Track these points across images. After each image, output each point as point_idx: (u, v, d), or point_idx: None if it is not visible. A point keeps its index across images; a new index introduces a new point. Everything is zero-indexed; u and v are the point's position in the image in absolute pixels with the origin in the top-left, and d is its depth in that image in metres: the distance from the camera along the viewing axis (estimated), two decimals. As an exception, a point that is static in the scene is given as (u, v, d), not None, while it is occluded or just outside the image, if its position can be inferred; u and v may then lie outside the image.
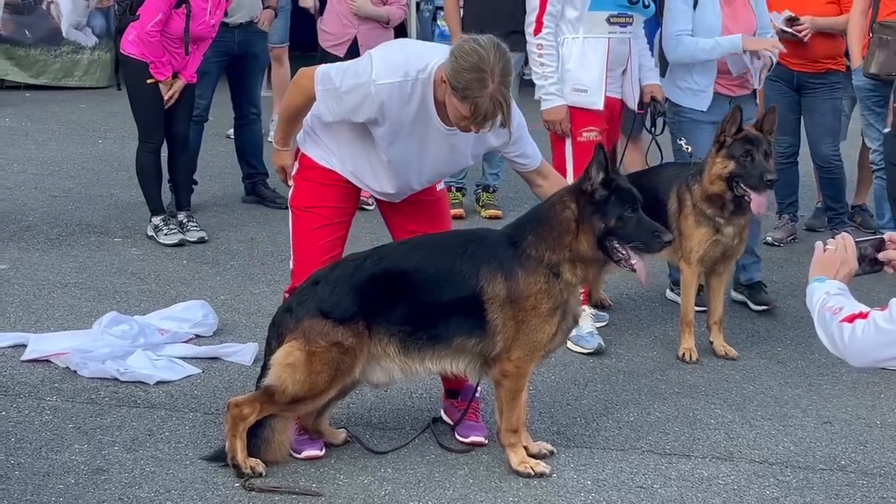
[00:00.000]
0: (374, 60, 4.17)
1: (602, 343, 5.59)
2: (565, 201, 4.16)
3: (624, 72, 5.67)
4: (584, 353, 5.54)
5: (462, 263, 4.12)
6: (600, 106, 5.57)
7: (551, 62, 5.57)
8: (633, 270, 4.16)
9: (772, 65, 6.01)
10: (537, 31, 5.57)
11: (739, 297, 6.37)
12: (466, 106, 3.98)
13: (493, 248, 4.16)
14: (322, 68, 4.28)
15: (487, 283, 4.09)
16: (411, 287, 4.13)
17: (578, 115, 5.60)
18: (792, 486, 4.31)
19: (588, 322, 5.65)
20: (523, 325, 4.10)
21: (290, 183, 4.59)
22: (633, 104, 5.78)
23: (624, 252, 4.13)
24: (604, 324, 5.94)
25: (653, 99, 5.80)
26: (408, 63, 4.16)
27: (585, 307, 5.68)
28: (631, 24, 5.62)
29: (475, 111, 3.98)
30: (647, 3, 5.63)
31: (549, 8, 5.52)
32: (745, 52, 5.87)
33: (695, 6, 5.91)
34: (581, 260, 4.12)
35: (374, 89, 4.11)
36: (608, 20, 5.53)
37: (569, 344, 5.59)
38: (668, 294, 6.41)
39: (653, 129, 5.87)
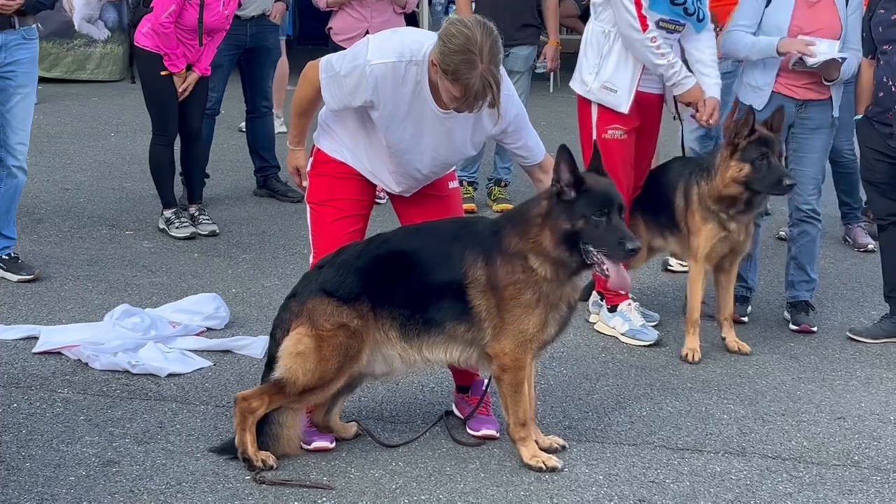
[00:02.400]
0: (371, 43, 4.23)
1: (659, 334, 5.64)
2: (540, 198, 4.16)
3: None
4: (643, 346, 5.58)
5: (452, 247, 4.14)
6: (625, 109, 5.57)
7: (667, 48, 5.53)
8: (606, 276, 4.09)
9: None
10: (644, 27, 5.47)
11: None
12: (458, 87, 4.01)
13: (479, 233, 4.18)
14: (326, 58, 4.33)
15: (469, 268, 4.10)
16: (410, 269, 4.14)
17: (605, 112, 5.60)
18: (805, 481, 4.29)
19: (638, 315, 5.67)
20: (507, 314, 4.09)
21: (305, 184, 4.60)
22: (671, 105, 5.74)
23: (597, 257, 4.05)
24: (653, 324, 5.91)
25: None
26: (402, 46, 4.19)
27: (630, 301, 5.70)
28: (680, 31, 5.60)
29: (466, 92, 4.00)
30: (701, 17, 5.61)
31: (643, 2, 5.46)
32: (779, 54, 5.70)
33: (768, 2, 5.80)
34: (545, 256, 4.07)
35: (369, 69, 4.14)
36: (657, 23, 5.51)
37: (623, 338, 5.63)
38: None
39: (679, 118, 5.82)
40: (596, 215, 4.02)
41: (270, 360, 4.19)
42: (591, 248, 4.03)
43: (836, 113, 5.89)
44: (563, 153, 4.05)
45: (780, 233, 7.44)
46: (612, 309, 5.71)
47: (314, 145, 4.55)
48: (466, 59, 3.96)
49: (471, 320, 4.12)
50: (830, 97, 5.85)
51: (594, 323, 5.82)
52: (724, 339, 5.67)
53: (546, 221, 4.06)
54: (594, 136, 5.53)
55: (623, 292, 4.10)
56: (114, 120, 10.50)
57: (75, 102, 11.13)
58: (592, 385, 5.13)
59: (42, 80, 11.34)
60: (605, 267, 4.05)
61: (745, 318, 6.07)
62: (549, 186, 4.16)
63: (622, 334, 5.65)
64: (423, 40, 4.21)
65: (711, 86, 5.68)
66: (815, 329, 5.96)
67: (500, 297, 4.09)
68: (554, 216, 4.05)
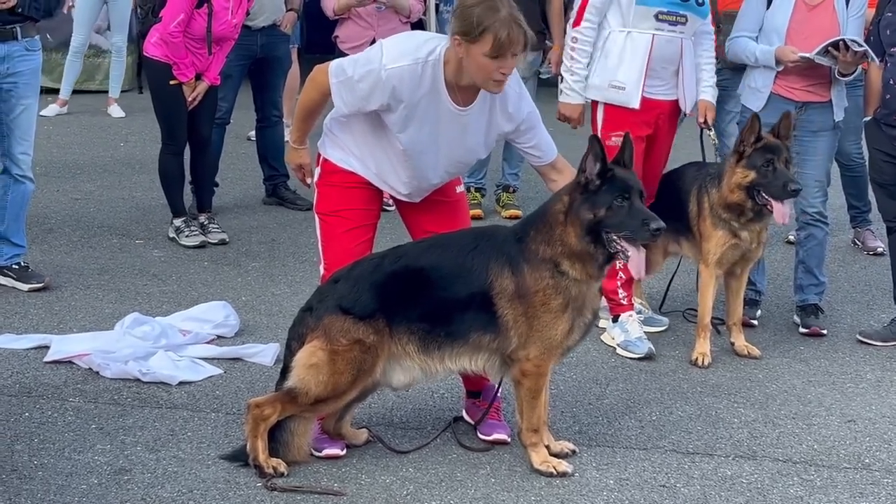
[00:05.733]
0: (384, 47, 4.23)
1: (652, 348, 5.54)
2: (561, 195, 4.16)
3: (676, 72, 5.60)
4: (634, 358, 5.50)
5: (473, 259, 4.12)
6: (636, 105, 5.54)
7: (581, 58, 5.57)
8: (627, 261, 4.11)
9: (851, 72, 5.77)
10: (576, 23, 5.57)
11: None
12: (487, 42, 4.00)
13: (502, 243, 4.16)
14: (335, 62, 4.31)
15: (496, 278, 4.09)
16: (428, 284, 4.13)
17: (612, 115, 5.58)
18: (816, 484, 4.29)
19: (637, 327, 5.61)
20: (535, 321, 4.09)
21: (309, 181, 4.61)
22: (685, 107, 5.70)
23: (620, 244, 4.07)
24: (662, 328, 5.92)
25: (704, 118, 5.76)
26: (417, 48, 4.20)
27: (632, 312, 5.67)
28: (683, 23, 5.54)
29: (496, 42, 4.00)
30: (700, 2, 5.56)
31: (592, 0, 5.50)
32: (778, 65, 5.74)
33: (769, 4, 5.82)
34: (573, 254, 4.08)
35: (385, 74, 4.14)
36: (656, 16, 5.48)
37: (618, 350, 5.58)
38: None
39: (710, 134, 5.82)
40: (618, 201, 4.05)
41: (284, 369, 4.20)
42: (614, 235, 4.05)
43: (837, 117, 5.88)
44: (594, 144, 4.07)
45: (789, 236, 7.43)
46: (615, 319, 5.69)
47: (319, 154, 4.55)
48: (488, 6, 3.99)
49: (497, 330, 4.11)
50: (830, 100, 5.85)
51: (604, 329, 5.81)
52: (732, 343, 5.66)
53: (569, 216, 4.07)
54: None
55: (640, 277, 4.26)
56: (123, 130, 10.53)
57: (85, 112, 11.15)
58: (602, 389, 5.13)
59: (51, 90, 11.47)
60: (628, 253, 4.06)
61: (755, 321, 6.07)
62: (573, 180, 4.17)
63: (617, 345, 5.61)
64: (435, 41, 4.23)
65: (705, 89, 5.72)
66: (825, 332, 5.95)
67: (528, 304, 4.08)
68: (577, 208, 4.06)
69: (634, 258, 4.08)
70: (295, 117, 4.58)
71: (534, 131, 4.40)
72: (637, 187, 4.12)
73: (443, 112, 4.26)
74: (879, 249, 7.39)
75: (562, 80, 5.74)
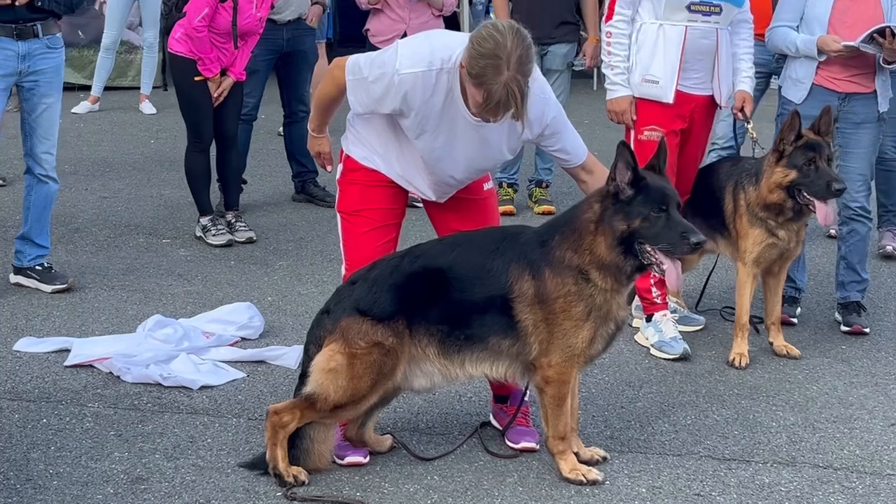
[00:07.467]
0: (400, 50, 4.09)
1: (688, 348, 5.40)
2: (591, 202, 4.02)
3: (713, 64, 5.44)
4: (668, 359, 5.36)
5: (494, 260, 4.01)
6: (670, 99, 5.40)
7: (619, 51, 5.44)
8: (663, 274, 3.97)
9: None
10: (609, 17, 5.47)
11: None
12: (481, 92, 3.87)
13: (524, 245, 4.03)
14: (353, 58, 4.19)
15: (515, 281, 3.97)
16: (447, 285, 4.01)
17: (645, 109, 5.44)
18: (858, 492, 4.14)
19: (671, 327, 5.48)
20: (556, 327, 3.96)
21: (329, 168, 4.55)
22: (720, 100, 5.53)
23: (655, 255, 3.93)
24: (698, 328, 5.79)
25: (741, 108, 5.60)
26: (432, 53, 4.05)
27: (666, 312, 5.54)
28: (717, 13, 5.37)
29: (488, 98, 3.86)
30: None
31: None
32: (820, 55, 5.58)
33: None
34: (602, 264, 3.94)
35: (398, 79, 4.02)
36: (688, 7, 5.33)
37: (652, 350, 5.45)
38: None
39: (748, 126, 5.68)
40: (655, 212, 3.91)
41: (303, 374, 4.09)
42: (648, 247, 3.91)
43: (882, 108, 5.70)
44: (624, 151, 3.92)
45: (831, 231, 7.25)
46: (649, 319, 5.55)
47: (343, 150, 4.44)
48: (493, 65, 3.82)
49: (516, 335, 3.99)
50: (875, 90, 5.67)
51: (637, 329, 5.67)
52: (771, 343, 5.51)
53: (600, 225, 3.93)
54: (632, 137, 5.41)
55: (676, 289, 4.11)
56: (154, 126, 10.52)
57: (117, 109, 11.17)
58: (635, 393, 4.99)
59: (83, 87, 11.48)
60: (663, 266, 3.93)
61: (795, 320, 5.90)
62: (602, 187, 4.03)
63: (651, 345, 5.48)
64: (453, 45, 4.07)
65: (744, 79, 5.56)
66: (867, 330, 5.78)
67: (548, 310, 3.96)
68: (608, 218, 3.92)
69: (671, 271, 3.95)
70: (313, 106, 4.48)
71: (559, 135, 4.25)
72: (674, 197, 3.99)
73: (459, 122, 4.12)
74: (888, 249, 7.16)
75: (604, 79, 5.60)
